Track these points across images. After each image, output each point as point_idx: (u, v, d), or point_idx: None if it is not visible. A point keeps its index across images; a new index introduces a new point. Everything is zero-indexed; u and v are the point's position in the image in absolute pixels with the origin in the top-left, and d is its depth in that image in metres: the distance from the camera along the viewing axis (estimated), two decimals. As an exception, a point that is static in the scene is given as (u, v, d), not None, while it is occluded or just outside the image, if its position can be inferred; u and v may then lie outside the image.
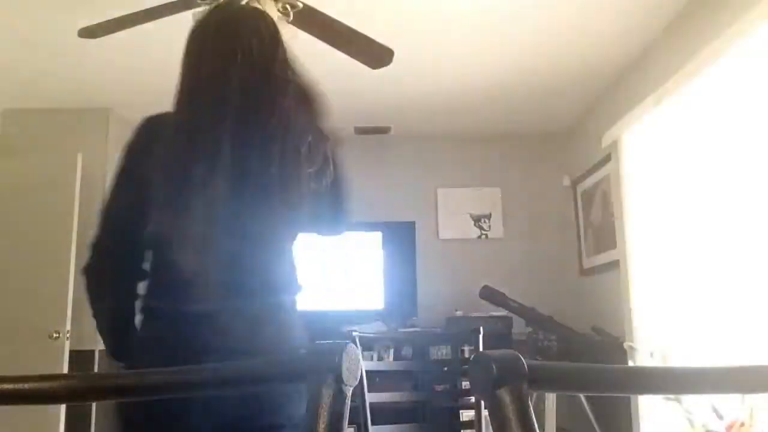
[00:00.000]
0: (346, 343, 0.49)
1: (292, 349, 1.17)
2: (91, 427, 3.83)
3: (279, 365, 0.52)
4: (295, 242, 1.31)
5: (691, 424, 2.65)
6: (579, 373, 0.52)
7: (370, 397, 2.25)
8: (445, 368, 4.26)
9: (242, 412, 1.08)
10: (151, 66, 3.59)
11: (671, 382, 0.53)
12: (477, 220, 4.78)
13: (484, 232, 4.77)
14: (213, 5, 1.35)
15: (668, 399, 2.72)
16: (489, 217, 4.78)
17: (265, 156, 1.16)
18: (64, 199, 3.85)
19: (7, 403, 0.53)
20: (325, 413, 0.47)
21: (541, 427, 3.14)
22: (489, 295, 3.86)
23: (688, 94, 2.93)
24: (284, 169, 1.17)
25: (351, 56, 2.70)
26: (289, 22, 2.43)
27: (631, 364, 3.22)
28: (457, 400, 4.20)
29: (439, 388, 4.26)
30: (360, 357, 0.50)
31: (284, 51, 1.27)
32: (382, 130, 4.74)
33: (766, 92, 2.49)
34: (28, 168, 3.97)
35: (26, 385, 0.52)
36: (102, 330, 1.31)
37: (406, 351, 4.21)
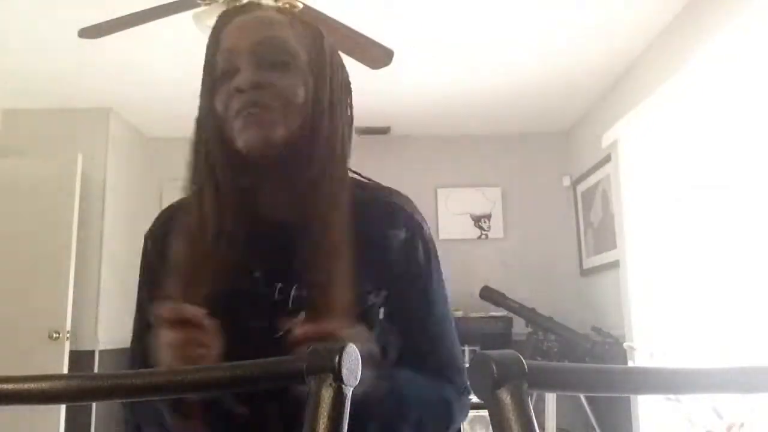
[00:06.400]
0: (346, 343, 0.49)
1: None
2: (91, 427, 3.84)
3: (278, 365, 0.52)
4: None
5: (691, 424, 2.65)
6: (579, 373, 0.52)
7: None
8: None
9: None
10: (151, 66, 3.59)
11: (671, 382, 0.53)
12: (477, 220, 4.78)
13: (484, 232, 4.77)
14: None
15: (668, 399, 2.72)
16: (489, 217, 4.78)
17: None
18: (64, 199, 3.85)
19: (7, 403, 0.53)
20: (325, 413, 0.47)
21: (541, 427, 3.13)
22: (489, 295, 3.87)
23: (688, 94, 2.94)
24: None
25: (351, 56, 2.70)
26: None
27: (631, 364, 3.22)
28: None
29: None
30: (360, 357, 0.50)
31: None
32: (382, 130, 4.75)
33: (765, 92, 2.49)
34: (28, 168, 3.98)
35: (26, 385, 0.52)
36: None
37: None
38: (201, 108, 0.88)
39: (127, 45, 3.12)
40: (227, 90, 0.84)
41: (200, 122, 0.88)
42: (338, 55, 0.94)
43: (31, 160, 4.00)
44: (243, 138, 0.83)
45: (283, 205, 0.89)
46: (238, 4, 0.94)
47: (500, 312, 4.06)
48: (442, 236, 4.70)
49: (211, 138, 0.86)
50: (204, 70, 0.88)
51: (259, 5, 0.91)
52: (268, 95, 0.83)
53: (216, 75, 0.86)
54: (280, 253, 0.86)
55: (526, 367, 0.46)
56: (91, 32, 2.53)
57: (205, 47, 0.89)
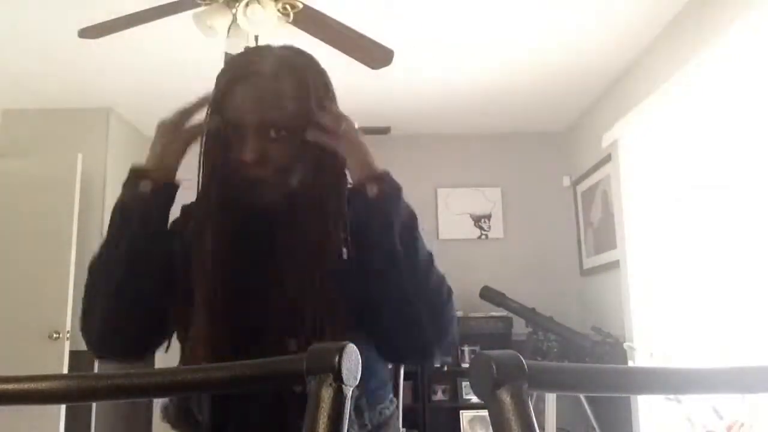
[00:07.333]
0: (346, 343, 0.49)
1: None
2: (91, 427, 3.83)
3: (278, 365, 0.52)
4: None
5: (691, 424, 2.65)
6: (579, 373, 0.52)
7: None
8: (445, 368, 4.27)
9: None
10: (151, 66, 3.59)
11: (671, 382, 0.53)
12: (477, 220, 4.78)
13: (484, 232, 4.77)
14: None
15: (668, 399, 2.72)
16: (489, 217, 4.78)
17: None
18: (64, 199, 3.85)
19: (7, 403, 0.53)
20: (325, 413, 0.47)
21: (541, 427, 3.13)
22: (489, 295, 3.86)
23: (688, 94, 2.93)
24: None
25: (351, 56, 2.70)
26: (289, 23, 2.43)
27: (631, 364, 3.22)
28: (457, 400, 4.21)
29: (439, 388, 4.26)
30: (359, 357, 0.50)
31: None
32: (382, 130, 4.74)
33: (764, 92, 2.49)
34: (28, 168, 3.97)
35: (26, 385, 0.52)
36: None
37: (406, 351, 4.20)
38: (211, 163, 0.97)
39: (127, 45, 3.12)
40: (234, 159, 0.95)
41: (211, 176, 0.98)
42: (326, 76, 1.10)
43: (31, 160, 4.00)
44: (245, 200, 0.96)
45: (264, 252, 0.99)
46: (245, 49, 1.09)
47: (500, 312, 4.06)
48: (442, 236, 4.70)
49: (219, 185, 0.97)
50: (209, 136, 0.96)
51: (267, 48, 1.03)
52: (270, 168, 0.95)
53: (224, 143, 0.95)
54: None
55: (526, 367, 0.46)
56: (91, 32, 2.52)
57: (210, 104, 0.97)
